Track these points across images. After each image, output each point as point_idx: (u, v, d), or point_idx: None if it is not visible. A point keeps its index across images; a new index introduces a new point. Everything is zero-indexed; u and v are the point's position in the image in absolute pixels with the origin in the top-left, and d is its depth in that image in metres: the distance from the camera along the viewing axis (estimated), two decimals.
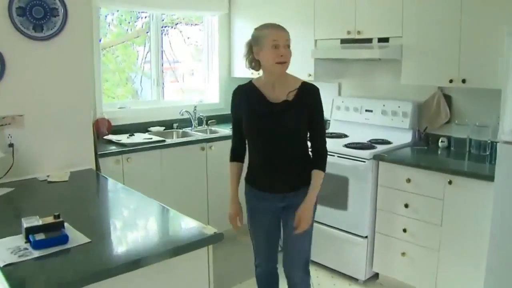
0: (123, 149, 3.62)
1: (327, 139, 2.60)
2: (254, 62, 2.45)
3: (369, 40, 3.80)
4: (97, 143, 3.10)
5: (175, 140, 4.14)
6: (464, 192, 3.05)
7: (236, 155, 2.63)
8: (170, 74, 5.06)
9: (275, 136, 2.42)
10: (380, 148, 3.64)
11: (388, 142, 3.85)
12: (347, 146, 3.69)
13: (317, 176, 2.47)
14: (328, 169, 2.59)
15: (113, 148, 3.65)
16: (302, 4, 4.24)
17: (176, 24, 4.91)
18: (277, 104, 2.40)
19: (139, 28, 4.67)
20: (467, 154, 3.55)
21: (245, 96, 2.49)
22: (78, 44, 2.92)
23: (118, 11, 4.46)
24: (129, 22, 4.55)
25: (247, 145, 2.57)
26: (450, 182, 3.10)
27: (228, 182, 2.66)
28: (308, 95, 2.44)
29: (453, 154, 3.60)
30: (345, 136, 4.15)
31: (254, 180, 2.56)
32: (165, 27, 4.78)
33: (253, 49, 2.40)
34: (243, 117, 2.48)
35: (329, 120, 4.50)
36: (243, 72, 4.85)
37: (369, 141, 3.90)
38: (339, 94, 4.52)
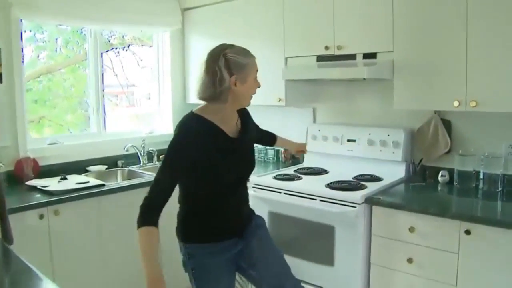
0: (49, 198, 2.82)
1: (304, 176, 3.09)
2: (226, 93, 1.97)
3: (352, 57, 3.16)
4: (4, 194, 2.28)
5: (118, 183, 3.35)
6: (485, 243, 2.42)
7: (156, 217, 1.95)
8: (125, 99, 4.41)
9: (244, 175, 2.21)
10: (371, 187, 2.97)
11: (378, 179, 3.19)
12: (331, 186, 3.01)
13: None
14: (309, 216, 2.61)
15: (36, 198, 2.85)
16: (269, 16, 3.58)
17: (128, 46, 4.17)
18: (237, 139, 2.09)
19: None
20: (479, 192, 2.94)
21: (210, 139, 1.99)
22: None
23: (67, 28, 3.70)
24: (77, 43, 3.78)
25: (201, 200, 2.10)
26: (467, 232, 2.44)
27: None
28: (248, 118, 2.25)
29: (460, 192, 2.98)
30: (325, 172, 3.47)
31: (217, 233, 2.13)
32: (115, 48, 4.14)
33: (229, 77, 1.95)
34: (208, 166, 1.98)
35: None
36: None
37: (355, 178, 3.25)
38: (314, 121, 3.85)
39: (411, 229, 2.63)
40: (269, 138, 3.03)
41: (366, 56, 3.10)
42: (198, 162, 1.94)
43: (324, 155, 3.64)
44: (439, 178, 3.15)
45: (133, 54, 4.29)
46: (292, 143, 3.33)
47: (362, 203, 2.78)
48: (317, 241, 3.01)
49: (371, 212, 2.81)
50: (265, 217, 3.18)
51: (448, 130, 3.15)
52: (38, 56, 3.68)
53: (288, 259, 3.08)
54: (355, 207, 2.78)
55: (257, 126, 2.65)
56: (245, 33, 3.68)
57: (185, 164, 1.94)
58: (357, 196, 2.80)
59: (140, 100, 4.54)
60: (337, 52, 3.19)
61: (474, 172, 3.01)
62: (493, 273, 2.40)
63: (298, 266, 3.07)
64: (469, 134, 3.11)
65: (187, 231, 2.14)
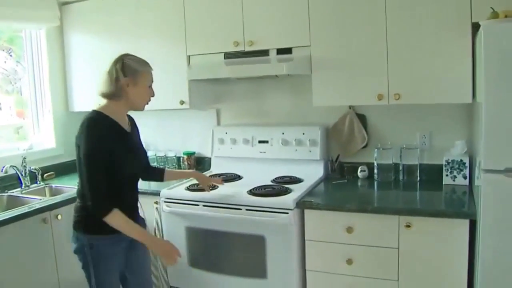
0: None
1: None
2: (120, 92, 2.19)
3: (264, 52, 2.94)
4: None
5: None
6: (425, 236, 2.37)
7: (112, 204, 2.14)
8: None
9: (139, 171, 2.38)
10: (296, 190, 2.78)
11: (298, 180, 3.03)
12: (254, 193, 2.77)
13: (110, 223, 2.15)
14: (234, 227, 2.58)
15: None
16: (166, 9, 3.22)
17: None
18: (131, 134, 2.33)
19: None
20: (400, 183, 2.96)
21: (113, 132, 2.21)
22: None
23: None
24: None
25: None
26: (408, 226, 2.36)
27: None
28: (136, 127, 2.43)
29: (383, 185, 2.96)
30: (238, 177, 3.22)
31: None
32: None
33: (123, 77, 2.18)
34: (115, 157, 2.15)
35: (209, 158, 3.54)
36: (85, 104, 3.68)
37: (274, 181, 3.04)
38: (218, 123, 3.58)
39: (349, 230, 2.49)
40: (153, 171, 2.69)
41: (280, 51, 2.90)
42: (106, 153, 2.10)
43: (233, 160, 3.39)
44: (359, 174, 3.08)
45: None
46: (200, 176, 2.88)
47: (294, 208, 2.57)
48: (246, 253, 2.75)
49: (303, 217, 2.61)
50: (182, 234, 2.87)
51: (364, 124, 3.09)
52: None
53: (216, 277, 2.83)
54: (287, 213, 2.57)
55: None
56: (136, 31, 3.30)
57: (103, 155, 2.09)
58: (288, 201, 2.59)
59: None
60: (248, 48, 2.96)
61: (393, 164, 2.98)
62: (433, 265, 2.36)
63: (228, 284, 2.80)
64: (384, 127, 3.08)
65: (91, 223, 2.19)
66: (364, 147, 3.09)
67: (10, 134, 3.73)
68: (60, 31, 3.69)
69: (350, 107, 3.08)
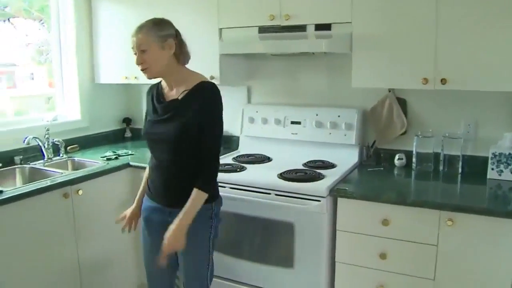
0: None
1: (247, 165, 2.79)
2: None
3: (301, 28, 2.75)
4: None
5: (19, 188, 2.62)
6: (469, 235, 2.18)
7: None
8: (6, 79, 3.60)
9: (161, 139, 2.15)
10: (330, 176, 2.62)
11: (331, 165, 2.86)
12: (285, 177, 2.61)
13: (192, 195, 2.07)
14: (262, 212, 2.35)
15: None
16: None
17: (8, 19, 3.38)
18: (168, 102, 2.17)
19: None
20: (440, 175, 2.76)
21: (150, 95, 2.28)
22: None
23: None
24: None
25: None
26: (450, 222, 2.18)
27: None
28: (197, 96, 2.10)
29: (421, 175, 2.77)
30: (268, 159, 3.07)
31: (149, 189, 2.30)
32: None
33: None
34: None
35: (238, 137, 3.39)
36: (112, 76, 3.57)
37: (305, 165, 2.88)
38: (249, 101, 3.41)
39: (385, 222, 2.32)
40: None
41: (319, 27, 2.71)
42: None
43: (263, 140, 3.23)
44: (396, 162, 2.89)
45: (15, 28, 3.49)
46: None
47: (327, 195, 2.41)
48: (273, 240, 2.61)
49: (335, 205, 2.45)
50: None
51: (404, 109, 2.89)
52: None
53: (240, 263, 2.70)
54: (319, 201, 2.41)
55: (205, 120, 2.09)
56: (165, 2, 3.13)
57: None
58: (320, 188, 2.42)
59: (23, 81, 3.72)
60: (284, 23, 2.77)
61: (433, 154, 2.79)
62: (475, 267, 2.18)
63: (253, 271, 2.67)
64: (426, 113, 2.87)
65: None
66: (403, 133, 2.89)
67: (42, 104, 3.66)
68: (88, 0, 3.56)
69: (389, 90, 2.88)
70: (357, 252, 2.43)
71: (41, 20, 3.58)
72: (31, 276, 2.53)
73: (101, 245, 2.95)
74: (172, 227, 2.04)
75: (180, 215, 2.04)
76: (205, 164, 2.08)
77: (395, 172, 2.83)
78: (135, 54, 2.09)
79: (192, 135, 2.08)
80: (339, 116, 2.96)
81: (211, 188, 2.11)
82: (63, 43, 3.57)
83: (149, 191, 2.28)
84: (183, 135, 2.08)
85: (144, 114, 2.34)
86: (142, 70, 2.11)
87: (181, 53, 2.16)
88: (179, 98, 2.11)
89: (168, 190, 2.19)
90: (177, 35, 2.16)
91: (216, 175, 2.14)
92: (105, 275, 2.99)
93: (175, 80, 2.16)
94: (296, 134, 3.10)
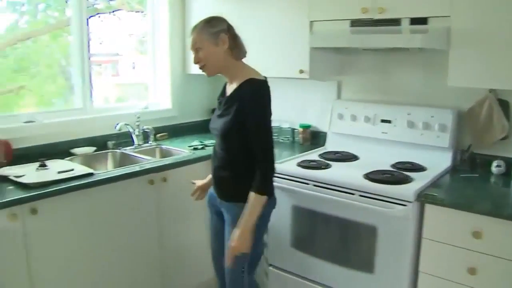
0: (24, 194, 2.24)
1: (332, 163, 2.76)
2: None
3: (395, 22, 2.60)
4: None
5: (110, 171, 2.73)
6: None
7: None
8: (110, 68, 3.80)
9: (215, 135, 2.26)
10: (418, 179, 2.47)
11: (421, 168, 2.70)
12: (371, 178, 2.49)
13: (253, 199, 2.07)
14: (345, 213, 2.19)
15: (8, 193, 2.25)
16: None
17: (113, 11, 3.55)
18: (224, 98, 2.22)
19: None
20: None
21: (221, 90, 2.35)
22: None
23: None
24: (58, 7, 3.20)
25: None
26: None
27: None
28: (242, 94, 2.10)
29: None
30: (355, 157, 2.96)
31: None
32: (101, 13, 3.51)
33: None
34: None
35: (325, 133, 3.30)
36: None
37: (393, 166, 2.74)
38: (339, 97, 3.31)
39: (476, 234, 2.14)
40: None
41: (414, 21, 2.55)
42: None
43: (351, 137, 3.12)
44: (493, 169, 2.66)
45: (119, 19, 3.65)
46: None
47: (414, 200, 2.27)
48: (354, 243, 2.51)
49: (423, 212, 2.30)
50: (288, 212, 2.69)
51: (506, 112, 2.65)
52: (17, 22, 3.06)
53: (318, 262, 2.64)
54: (405, 205, 2.28)
55: (250, 120, 2.07)
56: None
57: None
58: (407, 192, 2.29)
59: (125, 70, 3.93)
60: (377, 16, 2.63)
61: None
62: None
63: (330, 272, 2.59)
64: None
65: None
66: (503, 138, 2.65)
67: (141, 92, 3.81)
68: None
69: (490, 90, 2.65)
70: (443, 264, 2.26)
71: (142, 12, 3.71)
72: (113, 257, 2.64)
73: (182, 233, 3.01)
74: (236, 232, 2.08)
75: (242, 219, 2.08)
76: (257, 165, 2.08)
77: (492, 180, 2.60)
78: (193, 54, 2.17)
79: (234, 133, 2.12)
80: (432, 116, 2.78)
81: (266, 189, 2.10)
82: (157, 34, 3.68)
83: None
84: (226, 133, 2.14)
85: None
86: (200, 68, 2.19)
87: (235, 47, 2.16)
88: (228, 95, 2.17)
89: (217, 182, 2.29)
90: (229, 29, 2.16)
91: (270, 175, 2.12)
92: (185, 263, 3.05)
93: (231, 76, 2.20)
94: (386, 133, 2.96)
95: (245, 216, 2.07)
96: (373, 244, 2.42)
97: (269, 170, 2.10)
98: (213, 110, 2.39)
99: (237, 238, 2.07)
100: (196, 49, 2.15)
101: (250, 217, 2.07)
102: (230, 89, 2.19)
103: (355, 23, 2.73)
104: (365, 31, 2.70)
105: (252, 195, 2.07)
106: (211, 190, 2.37)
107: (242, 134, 2.09)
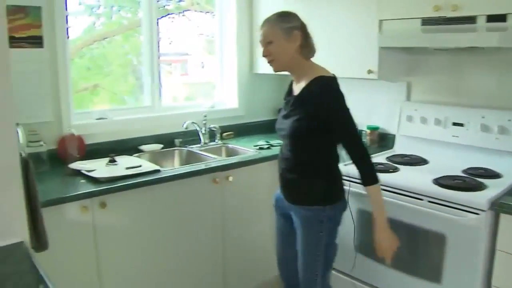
0: (94, 188, 2.33)
1: (401, 166, 2.68)
2: None
3: (470, 19, 2.47)
4: (36, 188, 1.77)
5: (176, 168, 2.79)
6: None
7: None
8: (179, 67, 3.88)
9: (282, 134, 2.18)
10: (492, 187, 2.33)
11: (496, 175, 2.55)
12: (440, 183, 2.38)
13: (369, 192, 2.05)
14: (412, 219, 2.04)
15: (80, 186, 2.36)
16: None
17: (183, 12, 3.63)
18: (291, 97, 2.16)
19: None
20: None
21: (287, 89, 2.29)
22: None
23: None
24: (131, 8, 3.33)
25: None
26: None
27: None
28: (313, 91, 2.03)
29: None
30: (424, 161, 2.85)
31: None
32: (170, 14, 3.59)
33: None
34: None
35: (394, 135, 3.19)
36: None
37: (465, 172, 2.60)
38: (408, 98, 3.19)
39: None
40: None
41: (491, 18, 2.40)
42: None
43: (421, 141, 3.00)
44: None
45: (189, 20, 3.71)
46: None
47: (487, 209, 2.14)
48: (421, 251, 2.42)
49: (497, 221, 2.17)
50: (354, 215, 2.62)
51: None
52: (94, 24, 3.21)
53: (382, 268, 2.56)
54: (477, 213, 2.16)
55: (336, 117, 2.04)
56: None
57: None
58: (480, 199, 2.17)
59: (194, 70, 3.99)
60: (451, 14, 2.50)
61: None
62: None
63: (395, 279, 2.51)
64: None
65: (330, 193, 2.20)
66: None
67: (209, 91, 3.87)
68: None
69: None
70: None
71: (211, 12, 3.76)
72: (176, 253, 2.68)
73: (246, 233, 3.02)
74: (376, 234, 2.07)
75: (374, 219, 2.07)
76: (354, 159, 2.04)
77: None
78: (262, 47, 2.12)
79: (304, 133, 2.06)
80: (509, 120, 2.61)
81: (375, 176, 2.04)
82: (225, 34, 3.71)
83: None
84: (296, 133, 2.07)
85: None
86: (268, 62, 2.14)
87: (306, 46, 2.11)
88: (296, 94, 2.12)
89: (286, 184, 2.22)
90: (302, 27, 2.11)
91: (371, 162, 2.06)
92: (248, 261, 3.06)
93: (299, 74, 2.14)
94: (458, 137, 2.82)
95: (375, 213, 2.06)
96: (442, 253, 2.32)
97: (368, 158, 2.05)
98: (279, 110, 2.34)
99: (382, 240, 2.06)
100: (267, 42, 2.10)
101: (380, 211, 2.05)
102: (297, 88, 2.14)
103: (426, 21, 2.62)
104: (437, 30, 2.58)
105: (368, 190, 2.04)
106: (278, 192, 2.32)
107: (313, 134, 2.05)
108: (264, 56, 2.13)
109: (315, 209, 2.10)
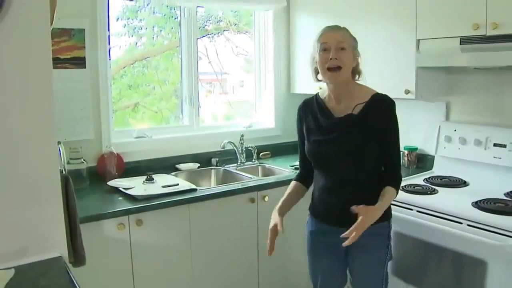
0: (131, 206, 2.38)
1: (439, 188, 2.62)
2: (317, 73, 2.10)
3: (510, 37, 2.41)
4: (75, 204, 1.82)
5: (212, 188, 2.84)
6: None
7: (300, 180, 2.27)
8: (218, 87, 3.93)
9: (336, 157, 2.03)
10: None
11: None
12: (481, 206, 2.32)
13: (390, 191, 2.00)
14: (450, 243, 1.96)
15: (117, 204, 2.42)
16: None
17: (222, 31, 3.70)
18: (340, 118, 2.04)
19: None
20: None
21: (309, 110, 2.16)
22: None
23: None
24: (172, 28, 3.42)
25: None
26: None
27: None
28: (378, 108, 2.00)
29: None
30: (464, 183, 2.77)
31: (316, 211, 2.20)
32: (210, 34, 3.68)
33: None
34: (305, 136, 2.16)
35: (432, 156, 3.13)
36: (307, 86, 3.61)
37: (508, 194, 2.53)
38: (447, 118, 3.13)
39: None
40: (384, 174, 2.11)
41: None
42: (301, 131, 2.22)
43: (461, 162, 2.93)
44: None
45: (227, 40, 3.78)
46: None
47: None
48: (460, 277, 2.33)
49: None
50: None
51: None
52: (136, 44, 3.33)
53: None
54: None
55: (393, 135, 2.05)
56: (362, 12, 3.07)
57: (298, 133, 2.26)
58: None
59: (233, 88, 4.06)
60: (490, 32, 2.45)
61: None
62: None
63: None
64: None
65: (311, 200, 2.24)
66: None
67: (248, 110, 3.92)
68: (287, 12, 3.67)
69: None
70: None
71: (249, 33, 3.82)
72: (213, 273, 2.71)
73: (281, 252, 2.99)
74: (370, 212, 1.89)
75: (379, 204, 1.95)
76: (394, 175, 2.05)
77: None
78: (324, 50, 1.98)
79: (372, 149, 2.00)
80: None
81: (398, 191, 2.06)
82: (263, 54, 3.76)
83: (316, 212, 2.19)
84: (363, 150, 2.00)
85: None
86: (334, 69, 1.96)
87: (357, 69, 2.08)
88: (355, 112, 2.01)
89: (348, 211, 1.95)
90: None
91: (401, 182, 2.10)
92: (283, 281, 3.03)
93: (347, 92, 2.05)
94: (500, 158, 2.73)
95: (383, 203, 1.96)
96: (483, 280, 2.22)
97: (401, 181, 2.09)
98: (307, 135, 2.19)
99: (371, 214, 1.89)
100: (341, 48, 1.96)
101: (385, 206, 2.00)
102: (343, 107, 2.04)
103: (465, 40, 2.57)
104: (476, 48, 2.53)
105: (391, 190, 2.00)
106: (318, 227, 2.17)
107: (375, 150, 2.01)
108: (334, 58, 1.95)
109: (382, 226, 2.04)
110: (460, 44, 2.60)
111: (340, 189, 2.06)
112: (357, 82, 2.10)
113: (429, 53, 2.75)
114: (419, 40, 2.80)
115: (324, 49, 1.98)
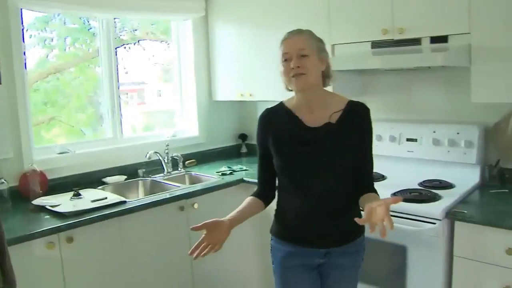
0: (60, 223, 2.32)
1: None
2: None
3: (415, 41, 2.63)
4: (1, 225, 1.76)
5: (141, 199, 2.83)
6: None
7: (259, 197, 2.02)
8: (136, 97, 3.91)
9: (315, 171, 1.86)
10: (446, 197, 2.46)
11: (449, 185, 2.69)
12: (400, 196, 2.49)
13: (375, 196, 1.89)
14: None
15: (45, 222, 2.35)
16: None
17: (138, 41, 3.68)
18: (317, 128, 1.87)
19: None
20: None
21: (275, 120, 1.97)
22: None
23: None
24: (86, 40, 3.35)
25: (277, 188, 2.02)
26: None
27: None
28: (356, 115, 1.90)
29: None
30: (382, 177, 2.96)
31: (290, 235, 1.96)
32: (126, 44, 3.64)
33: None
34: (271, 149, 1.94)
35: None
36: (228, 94, 3.69)
37: (421, 184, 2.73)
38: None
39: (510, 251, 2.11)
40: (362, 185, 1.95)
41: (434, 40, 2.57)
42: (264, 143, 1.97)
43: (377, 158, 3.01)
44: None
45: (144, 49, 3.76)
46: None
47: (443, 218, 2.26)
48: (384, 263, 2.51)
49: (452, 229, 2.29)
50: None
51: None
52: (47, 56, 3.21)
53: None
54: (434, 223, 2.27)
55: (369, 143, 1.97)
56: (278, 21, 3.18)
57: (259, 145, 2.02)
58: (436, 210, 2.29)
59: (151, 98, 4.03)
60: (398, 37, 2.67)
61: None
62: None
63: None
64: None
65: (274, 221, 2.04)
66: None
67: (167, 120, 3.92)
68: (205, 21, 3.73)
69: None
70: (477, 282, 2.24)
71: (166, 42, 3.83)
72: (145, 283, 2.69)
73: (214, 259, 3.03)
74: (385, 202, 1.61)
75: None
76: (370, 182, 1.95)
77: None
78: (285, 60, 1.85)
79: (353, 158, 1.87)
80: (458, 133, 2.78)
81: None
82: (183, 62, 3.78)
83: (291, 235, 1.96)
84: (347, 160, 1.87)
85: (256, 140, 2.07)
86: (296, 75, 1.82)
87: (328, 72, 1.95)
88: (332, 121, 1.86)
89: (331, 229, 1.90)
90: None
91: None
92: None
93: (319, 101, 1.91)
94: (412, 152, 2.96)
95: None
96: (404, 264, 2.41)
97: None
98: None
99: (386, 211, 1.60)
100: (301, 55, 1.82)
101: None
102: (318, 116, 1.89)
103: (376, 44, 2.78)
104: (386, 52, 2.73)
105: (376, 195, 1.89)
106: (291, 250, 1.95)
107: (356, 160, 1.89)
108: (295, 67, 1.81)
109: (359, 241, 1.97)
110: (372, 48, 2.81)
111: (324, 206, 1.88)
112: (325, 89, 1.98)
113: (343, 57, 2.92)
114: (333, 45, 2.96)
115: (285, 59, 1.85)
